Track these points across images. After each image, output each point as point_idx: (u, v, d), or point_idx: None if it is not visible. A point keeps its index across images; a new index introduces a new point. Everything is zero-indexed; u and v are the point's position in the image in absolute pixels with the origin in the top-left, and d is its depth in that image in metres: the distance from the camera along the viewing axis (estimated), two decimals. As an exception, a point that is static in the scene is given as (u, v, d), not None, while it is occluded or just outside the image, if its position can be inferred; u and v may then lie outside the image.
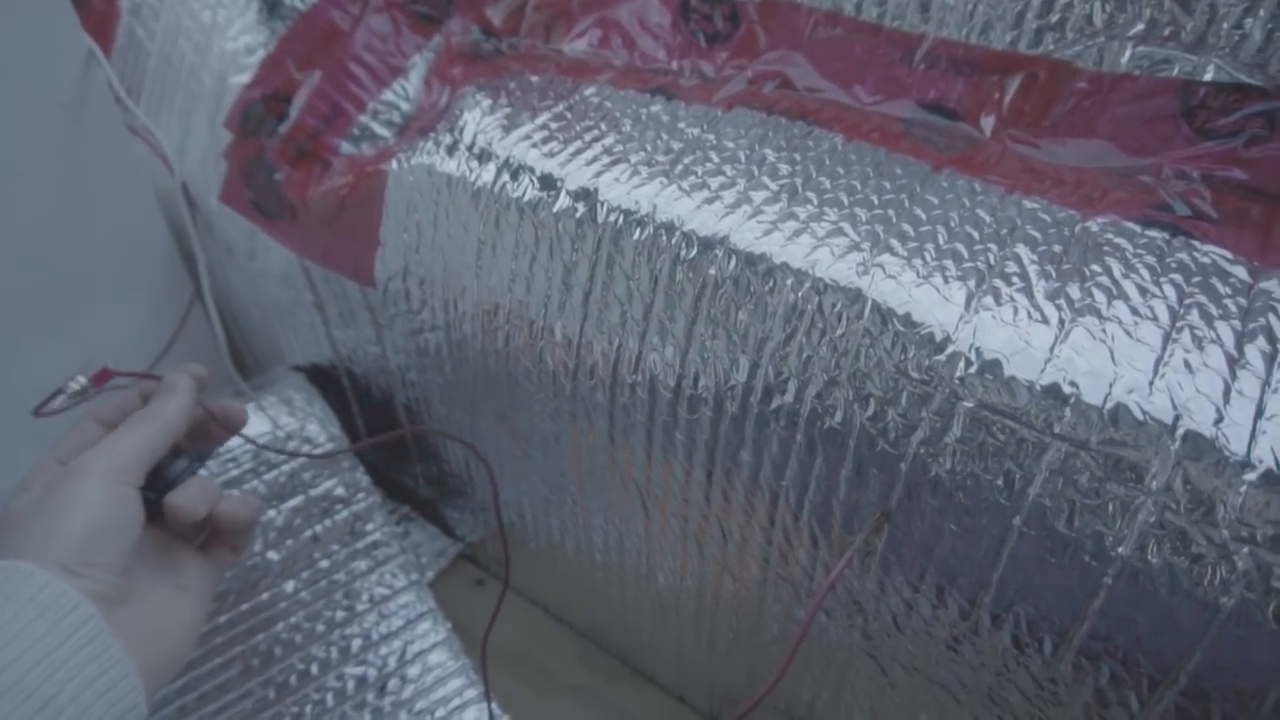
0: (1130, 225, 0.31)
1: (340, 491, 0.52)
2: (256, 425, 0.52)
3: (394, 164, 0.43)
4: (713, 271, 0.33)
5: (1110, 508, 0.26)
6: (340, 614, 0.50)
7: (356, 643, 0.49)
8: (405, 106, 0.49)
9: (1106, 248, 0.30)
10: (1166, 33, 0.33)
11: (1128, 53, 0.34)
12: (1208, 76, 0.32)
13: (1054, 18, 0.35)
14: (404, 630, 0.51)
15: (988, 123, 0.36)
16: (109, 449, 0.34)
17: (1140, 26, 0.33)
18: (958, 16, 0.37)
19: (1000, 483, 0.28)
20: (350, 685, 0.48)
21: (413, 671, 0.49)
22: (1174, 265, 0.29)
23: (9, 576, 0.29)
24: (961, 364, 0.28)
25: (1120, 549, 0.26)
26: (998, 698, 0.32)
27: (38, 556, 0.30)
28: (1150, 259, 0.29)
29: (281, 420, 0.52)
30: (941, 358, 0.29)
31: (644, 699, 0.49)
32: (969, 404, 0.28)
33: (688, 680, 0.48)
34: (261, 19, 0.50)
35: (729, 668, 0.43)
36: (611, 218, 0.35)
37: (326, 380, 0.56)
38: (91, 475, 0.33)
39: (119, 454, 0.34)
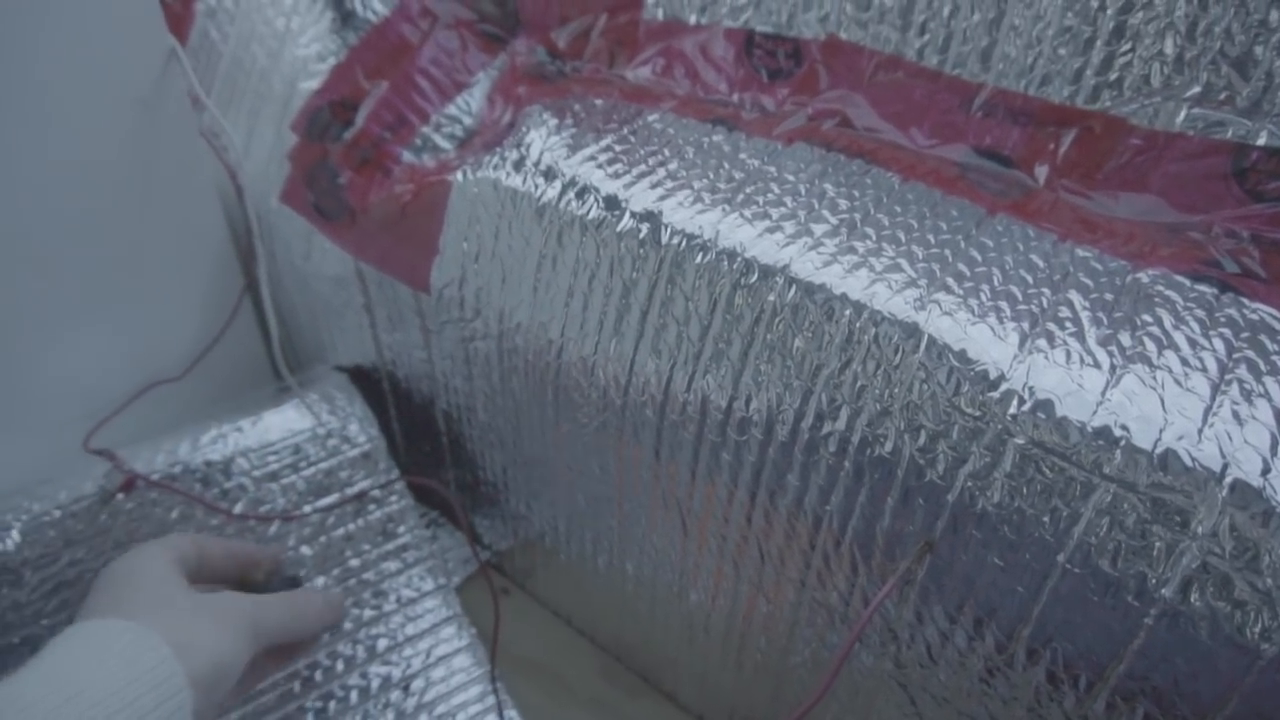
0: (1180, 279, 0.32)
1: (375, 492, 0.53)
2: (299, 420, 0.53)
3: (459, 175, 0.44)
4: (772, 298, 0.34)
5: (1155, 550, 0.27)
6: (368, 613, 0.51)
7: (383, 642, 0.50)
8: (467, 121, 0.51)
9: (1157, 299, 0.31)
10: (1222, 97, 0.34)
11: (1183, 113, 0.35)
12: (1260, 141, 0.33)
13: (1112, 75, 0.36)
14: (429, 633, 0.51)
15: (1041, 172, 0.37)
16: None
17: (1196, 89, 0.34)
18: (1017, 68, 0.38)
19: (1047, 519, 0.29)
20: (375, 684, 0.48)
21: (437, 674, 0.49)
22: (1223, 320, 0.30)
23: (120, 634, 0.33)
24: (1015, 402, 0.29)
25: (1163, 591, 0.27)
26: (1028, 733, 0.33)
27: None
28: (1200, 312, 0.30)
29: (323, 417, 0.53)
30: (995, 394, 0.30)
31: (663, 717, 0.50)
32: (1020, 440, 0.29)
33: (709, 701, 0.48)
34: (334, 29, 0.52)
35: (753, 690, 0.44)
36: (675, 240, 0.36)
37: (366, 381, 0.57)
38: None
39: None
